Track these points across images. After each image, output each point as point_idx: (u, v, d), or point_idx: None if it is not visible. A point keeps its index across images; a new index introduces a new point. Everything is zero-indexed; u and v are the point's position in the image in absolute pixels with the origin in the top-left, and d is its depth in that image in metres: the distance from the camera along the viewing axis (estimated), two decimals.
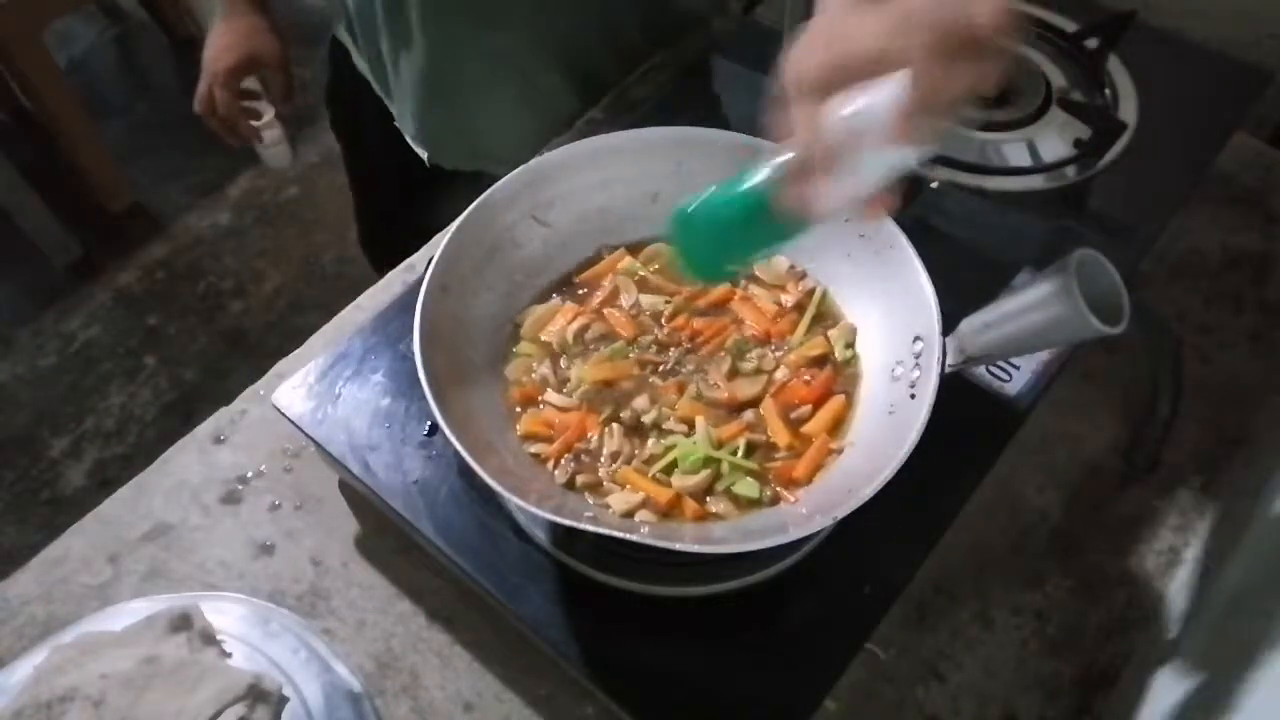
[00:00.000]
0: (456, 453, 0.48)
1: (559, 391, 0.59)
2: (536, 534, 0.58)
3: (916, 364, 0.53)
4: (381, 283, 0.78)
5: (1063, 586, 0.64)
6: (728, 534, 0.53)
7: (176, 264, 2.05)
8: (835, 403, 0.58)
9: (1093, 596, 0.63)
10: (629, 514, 0.54)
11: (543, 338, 0.62)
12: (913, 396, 0.52)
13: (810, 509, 0.52)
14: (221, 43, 0.98)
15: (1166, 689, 0.55)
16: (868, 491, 0.46)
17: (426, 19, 0.84)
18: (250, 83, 1.03)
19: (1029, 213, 0.75)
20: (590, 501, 0.55)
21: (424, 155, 0.98)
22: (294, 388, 0.65)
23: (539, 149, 0.61)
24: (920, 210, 0.73)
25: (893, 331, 0.57)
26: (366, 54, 0.96)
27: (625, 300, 0.63)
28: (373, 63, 0.96)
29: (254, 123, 1.07)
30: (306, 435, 0.63)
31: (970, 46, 0.36)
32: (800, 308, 0.62)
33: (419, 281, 0.56)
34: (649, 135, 0.63)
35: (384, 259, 1.19)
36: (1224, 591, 0.58)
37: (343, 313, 0.77)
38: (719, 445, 0.56)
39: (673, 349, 0.61)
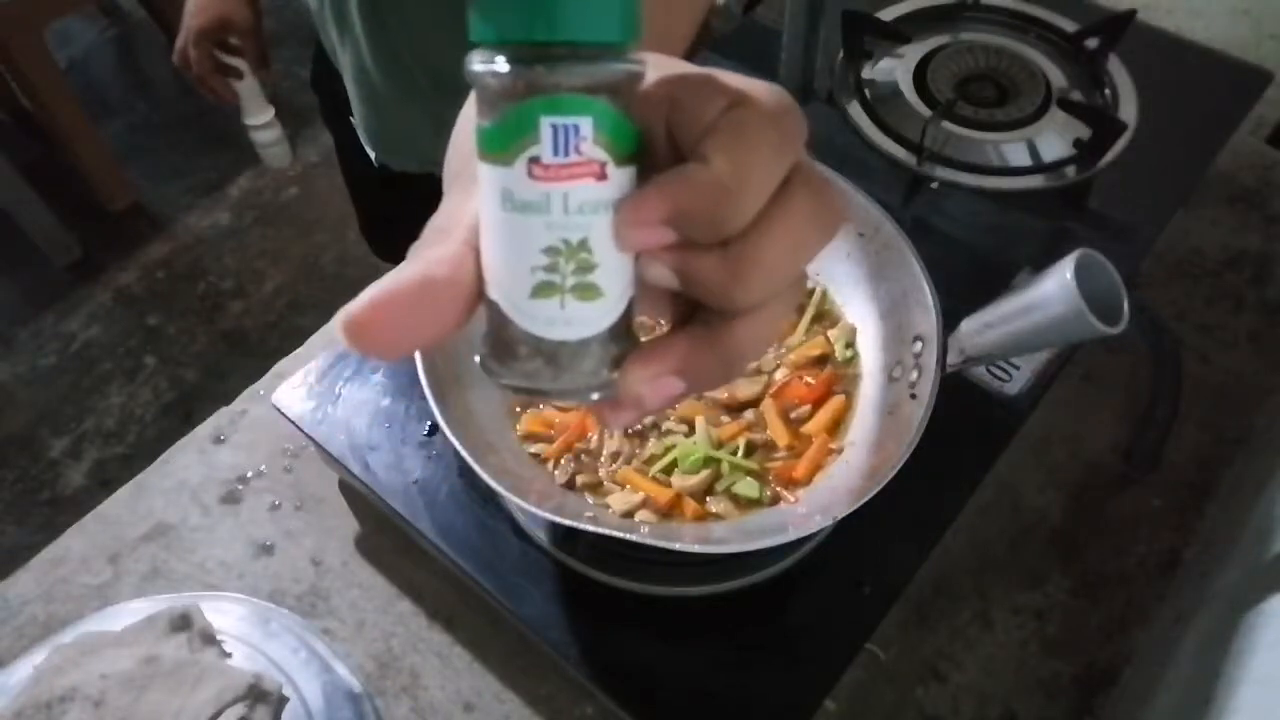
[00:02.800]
0: (456, 453, 0.48)
1: None
2: (536, 534, 0.58)
3: (916, 364, 0.53)
4: None
5: (1063, 586, 0.64)
6: (728, 534, 0.53)
7: (176, 264, 2.06)
8: (835, 403, 0.58)
9: (1093, 596, 0.63)
10: (629, 514, 0.54)
11: None
12: (913, 396, 0.52)
13: (810, 509, 0.52)
14: (196, 3, 1.02)
15: (1166, 689, 0.55)
16: (868, 492, 0.46)
17: (365, 18, 0.82)
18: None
19: (1029, 213, 0.75)
20: (590, 501, 0.55)
21: (373, 155, 0.97)
22: (294, 388, 0.65)
23: None
24: (920, 210, 0.74)
25: (893, 331, 0.57)
26: (327, 48, 0.96)
27: None
28: (332, 57, 0.95)
29: (251, 122, 1.09)
30: (306, 435, 0.63)
31: None
32: (800, 308, 0.62)
33: None
34: None
35: (385, 248, 1.19)
36: (1224, 591, 0.58)
37: None
38: (719, 445, 0.56)
39: None
